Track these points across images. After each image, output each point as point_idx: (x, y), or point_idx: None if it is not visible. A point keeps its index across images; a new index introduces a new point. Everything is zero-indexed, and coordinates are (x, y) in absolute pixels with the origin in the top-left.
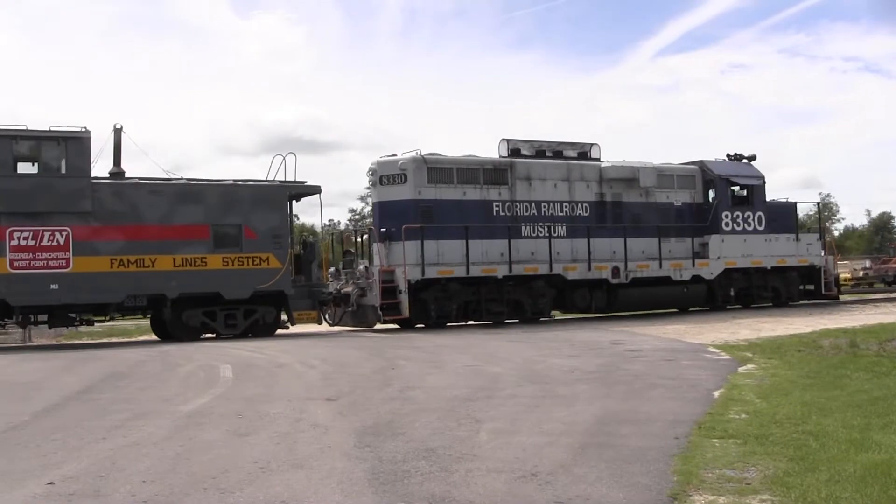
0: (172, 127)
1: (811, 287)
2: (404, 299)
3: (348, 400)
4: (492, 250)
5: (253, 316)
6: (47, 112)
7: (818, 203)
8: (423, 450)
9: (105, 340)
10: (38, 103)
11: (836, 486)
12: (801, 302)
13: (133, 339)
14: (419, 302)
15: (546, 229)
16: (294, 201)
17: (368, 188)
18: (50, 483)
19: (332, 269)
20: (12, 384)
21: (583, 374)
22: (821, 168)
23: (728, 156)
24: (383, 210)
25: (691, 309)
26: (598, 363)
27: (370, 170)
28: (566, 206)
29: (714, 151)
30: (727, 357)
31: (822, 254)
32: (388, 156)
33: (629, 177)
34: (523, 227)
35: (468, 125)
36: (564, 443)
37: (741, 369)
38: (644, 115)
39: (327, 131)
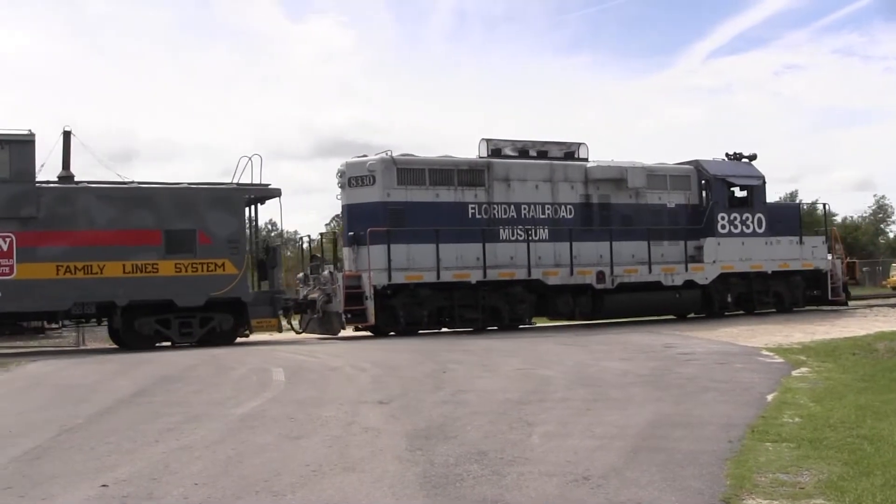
0: (224, 131)
1: (819, 292)
2: (370, 305)
3: (400, 403)
4: (467, 254)
5: (209, 324)
6: (102, 116)
7: (824, 204)
8: (475, 453)
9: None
10: (94, 108)
11: (891, 490)
12: (807, 308)
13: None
14: (388, 308)
15: (526, 232)
16: (258, 205)
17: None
18: (103, 485)
19: (300, 274)
20: (67, 387)
21: (635, 378)
22: (875, 169)
23: (727, 155)
24: (351, 213)
25: (689, 315)
26: (651, 366)
27: (339, 171)
28: (549, 209)
29: (766, 153)
30: (781, 360)
31: (829, 257)
32: (359, 157)
33: (617, 177)
34: (501, 231)
35: (517, 127)
36: (616, 446)
37: (795, 372)
38: (695, 118)
39: (379, 134)
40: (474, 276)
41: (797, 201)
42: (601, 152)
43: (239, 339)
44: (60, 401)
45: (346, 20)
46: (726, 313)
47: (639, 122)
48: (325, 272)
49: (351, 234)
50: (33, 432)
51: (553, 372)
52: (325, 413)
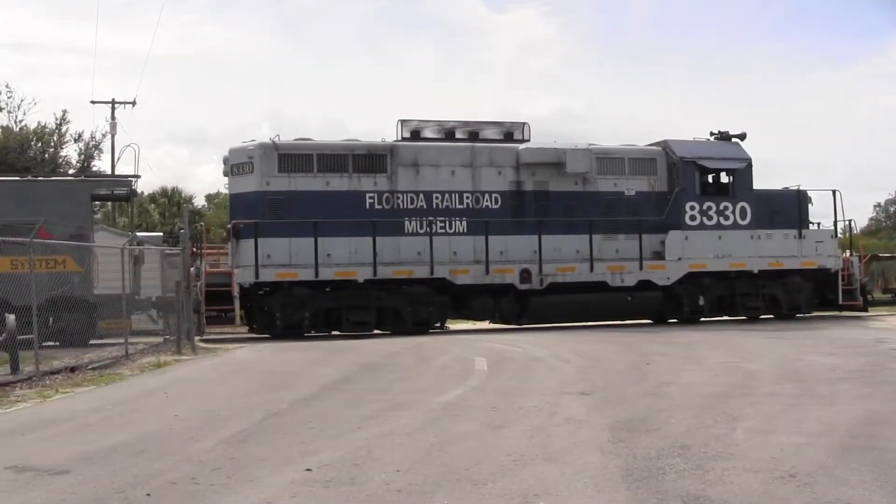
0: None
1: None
2: (236, 306)
3: (603, 395)
4: (364, 249)
5: (59, 323)
6: (308, 108)
7: (834, 191)
8: (678, 447)
9: None
10: (301, 100)
11: None
12: (816, 314)
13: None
14: (266, 309)
15: (430, 225)
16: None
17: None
18: (307, 469)
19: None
20: (272, 373)
21: (844, 373)
22: None
23: (712, 133)
24: (234, 203)
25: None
26: (862, 361)
27: (224, 158)
28: (468, 197)
29: None
30: None
31: (839, 254)
32: (245, 142)
33: (554, 161)
34: (407, 223)
35: (722, 113)
36: (824, 443)
37: None
38: None
39: (582, 123)
40: (362, 274)
41: (795, 187)
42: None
43: (437, 329)
44: (266, 386)
45: (549, 9)
46: (702, 319)
47: (848, 107)
48: (192, 269)
49: (229, 226)
50: (240, 416)
51: (758, 366)
52: (528, 403)
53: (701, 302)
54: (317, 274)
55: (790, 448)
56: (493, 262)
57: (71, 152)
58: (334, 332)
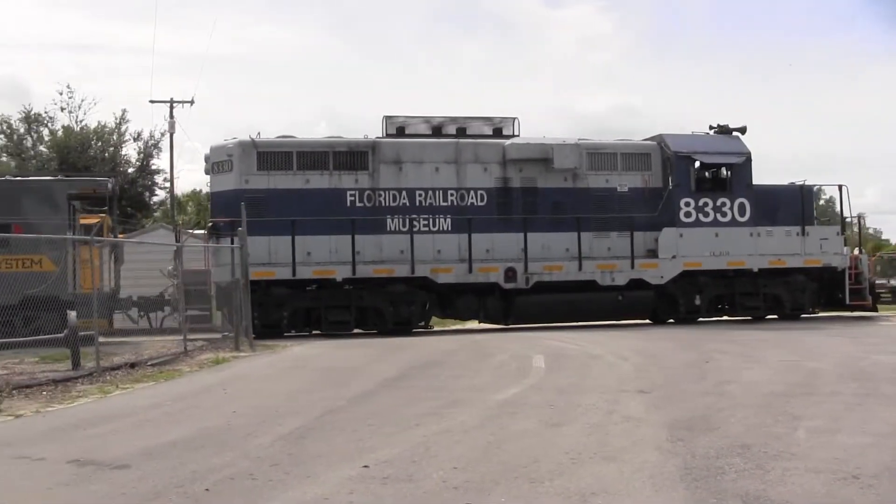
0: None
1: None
2: (212, 305)
3: (661, 393)
4: (344, 248)
5: (34, 323)
6: (362, 109)
7: (840, 186)
8: (738, 446)
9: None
10: (354, 101)
11: None
12: (822, 314)
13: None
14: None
15: (411, 222)
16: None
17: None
18: (365, 466)
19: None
20: (330, 369)
21: None
22: None
23: (711, 127)
24: (214, 202)
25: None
26: None
27: (205, 156)
28: (452, 195)
29: None
30: None
31: (846, 252)
32: (229, 139)
33: (541, 157)
34: (389, 221)
35: (779, 109)
36: (890, 445)
37: None
38: None
39: (641, 119)
40: (341, 273)
41: (800, 182)
42: None
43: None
44: (324, 383)
45: (606, 5)
46: (700, 319)
47: None
48: (168, 267)
49: (210, 225)
50: (298, 412)
51: (821, 364)
52: (586, 401)
53: (697, 301)
54: (294, 273)
55: (854, 448)
56: (478, 260)
57: (130, 151)
58: (314, 332)
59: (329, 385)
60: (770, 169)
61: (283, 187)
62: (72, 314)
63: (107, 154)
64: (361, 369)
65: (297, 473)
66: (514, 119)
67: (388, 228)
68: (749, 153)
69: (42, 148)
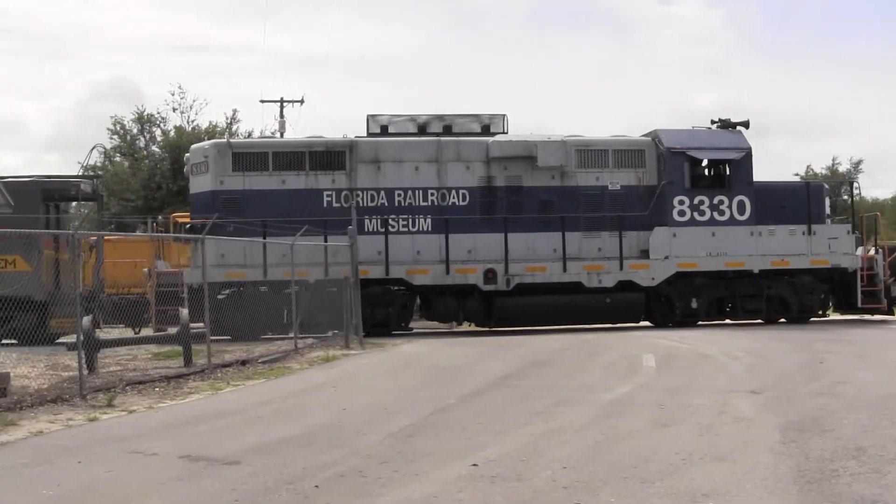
0: (595, 116)
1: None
2: (186, 306)
3: (773, 393)
4: (320, 249)
5: (9, 324)
6: (472, 107)
7: (851, 182)
8: (853, 449)
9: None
10: (466, 99)
11: None
12: (834, 317)
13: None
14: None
15: (386, 223)
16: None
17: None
18: (474, 465)
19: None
20: (439, 368)
21: None
22: None
23: (713, 122)
24: (193, 203)
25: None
26: None
27: (185, 157)
28: (433, 194)
29: None
30: None
31: (858, 252)
32: (207, 141)
33: (525, 154)
34: (367, 222)
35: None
36: None
37: None
38: None
39: (748, 116)
40: (314, 275)
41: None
42: None
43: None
44: (433, 381)
45: (714, 0)
46: (699, 322)
47: None
48: (146, 270)
49: (188, 226)
50: (407, 410)
51: None
52: (696, 401)
53: (694, 304)
54: (265, 274)
55: None
56: (458, 261)
57: None
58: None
59: (438, 383)
60: (891, 167)
61: (258, 188)
62: (184, 311)
63: None
64: (470, 367)
65: (406, 471)
66: (503, 116)
67: (366, 229)
68: (749, 148)
69: (154, 148)
